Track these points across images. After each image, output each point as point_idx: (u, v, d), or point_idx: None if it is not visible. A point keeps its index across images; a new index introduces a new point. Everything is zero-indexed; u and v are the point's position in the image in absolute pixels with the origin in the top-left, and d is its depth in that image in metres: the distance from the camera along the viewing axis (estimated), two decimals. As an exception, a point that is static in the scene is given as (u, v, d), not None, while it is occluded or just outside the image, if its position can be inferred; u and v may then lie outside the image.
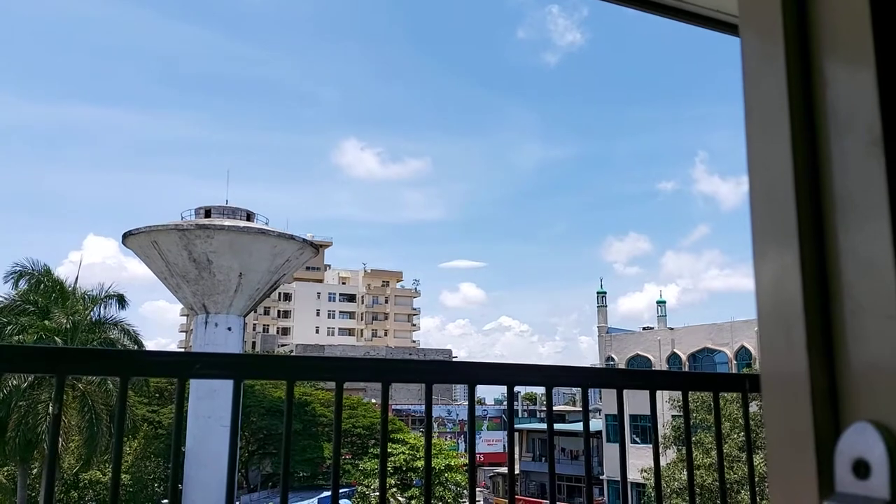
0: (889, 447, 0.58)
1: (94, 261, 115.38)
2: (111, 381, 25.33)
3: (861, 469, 0.60)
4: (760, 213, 0.75)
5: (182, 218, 33.03)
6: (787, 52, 0.72)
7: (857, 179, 0.65)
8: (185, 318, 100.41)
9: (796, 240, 0.68)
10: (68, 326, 26.43)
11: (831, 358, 0.65)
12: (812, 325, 0.66)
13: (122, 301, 28.53)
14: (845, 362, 0.64)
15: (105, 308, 28.44)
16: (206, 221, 30.16)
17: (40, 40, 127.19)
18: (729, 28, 1.38)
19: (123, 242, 29.47)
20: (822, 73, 0.70)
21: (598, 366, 44.44)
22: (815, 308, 0.67)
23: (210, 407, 24.97)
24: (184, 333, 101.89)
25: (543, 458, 52.58)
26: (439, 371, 3.00)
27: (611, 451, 41.28)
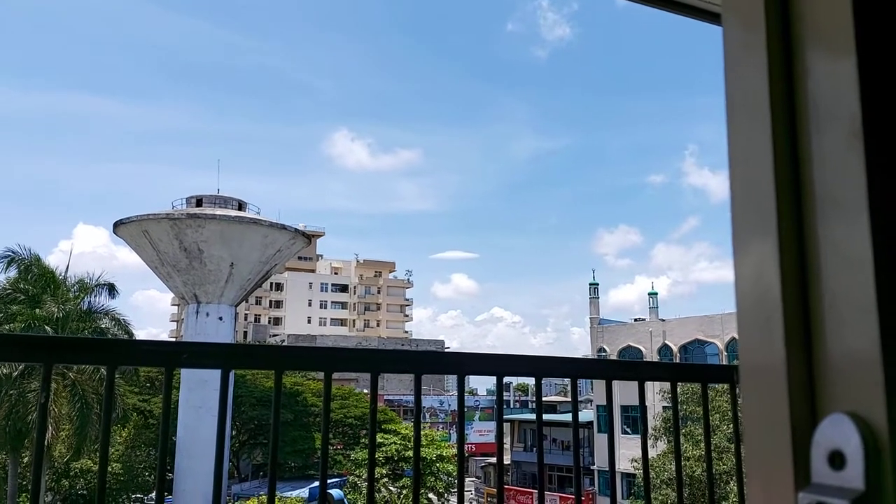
0: (864, 438, 0.58)
1: (85, 250, 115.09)
2: (103, 370, 25.26)
3: (837, 460, 0.60)
4: (740, 204, 0.74)
5: (173, 207, 32.90)
6: (768, 42, 0.71)
7: (837, 171, 0.65)
8: (176, 307, 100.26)
9: (775, 231, 0.68)
10: (59, 315, 26.33)
11: (809, 350, 0.65)
12: (790, 317, 0.66)
13: (112, 290, 28.43)
14: (822, 354, 0.64)
15: (96, 297, 28.36)
16: (197, 211, 30.06)
17: (34, 30, 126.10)
18: (711, 17, 1.36)
19: (114, 231, 29.35)
20: (803, 63, 0.70)
21: (589, 356, 44.66)
22: (794, 300, 0.67)
23: (201, 397, 24.95)
24: (175, 323, 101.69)
25: (535, 449, 52.77)
26: (428, 362, 3.00)
27: (602, 441, 41.49)
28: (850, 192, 0.62)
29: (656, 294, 48.51)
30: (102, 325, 27.94)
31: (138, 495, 40.39)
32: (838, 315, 0.63)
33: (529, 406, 70.24)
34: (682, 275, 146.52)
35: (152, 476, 38.78)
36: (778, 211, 0.67)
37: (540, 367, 2.90)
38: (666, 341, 43.58)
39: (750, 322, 0.69)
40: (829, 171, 0.66)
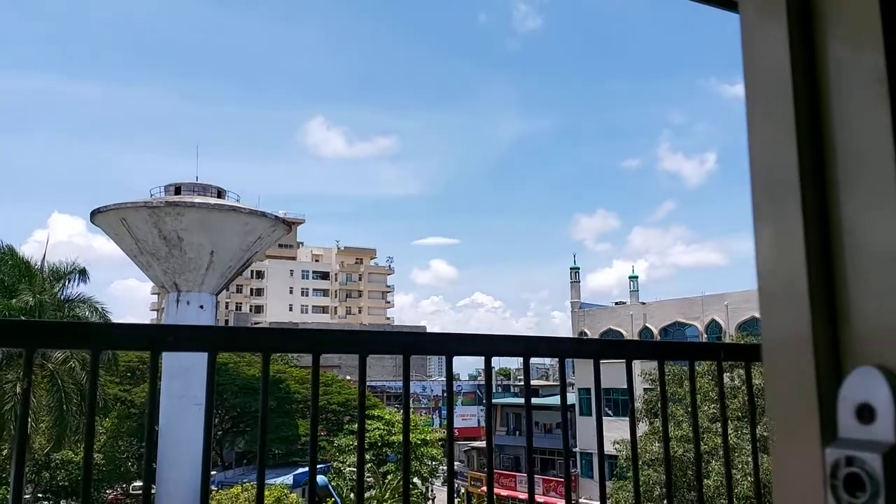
0: (895, 390, 0.56)
1: (60, 239, 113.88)
2: (77, 360, 25.04)
3: (865, 414, 0.59)
4: (761, 171, 0.72)
5: (151, 195, 32.55)
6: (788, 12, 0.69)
7: (861, 124, 0.63)
8: (156, 296, 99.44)
9: (798, 181, 0.66)
10: (33, 305, 26.00)
11: (833, 304, 0.64)
12: (814, 274, 0.64)
13: (83, 274, 28.08)
14: (847, 307, 0.63)
15: (73, 285, 28.04)
16: (176, 199, 29.77)
17: (5, 8, 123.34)
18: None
19: (92, 220, 28.99)
20: (824, 27, 0.67)
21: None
22: (817, 255, 0.65)
23: (183, 386, 24.77)
24: (155, 312, 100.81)
25: (518, 432, 53.19)
26: (417, 343, 2.98)
27: (583, 424, 41.87)
28: (874, 141, 0.60)
29: (637, 277, 48.87)
30: (80, 315, 27.65)
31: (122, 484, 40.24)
32: (863, 268, 0.61)
33: (512, 390, 70.62)
34: (660, 258, 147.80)
35: (135, 466, 38.56)
36: (800, 164, 0.65)
37: (528, 346, 2.89)
38: (646, 324, 43.96)
39: (772, 280, 0.68)
40: (854, 125, 0.64)
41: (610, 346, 3.45)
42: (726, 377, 3.45)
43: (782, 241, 0.69)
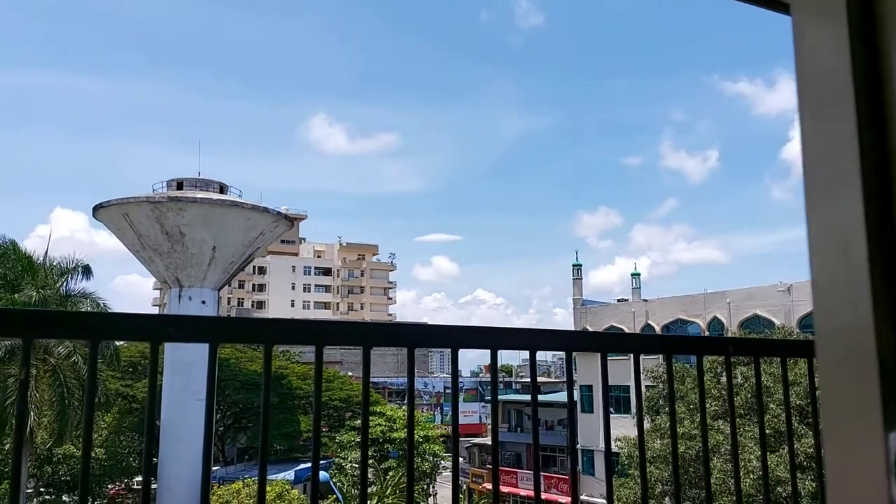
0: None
1: (63, 234, 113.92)
2: (80, 356, 25.04)
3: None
4: (815, 161, 0.67)
5: (153, 190, 32.48)
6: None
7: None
8: (158, 291, 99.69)
9: (858, 176, 0.61)
10: (37, 299, 25.99)
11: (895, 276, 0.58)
12: (873, 244, 0.59)
13: (87, 271, 28.11)
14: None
15: (76, 281, 28.06)
16: (178, 194, 29.71)
17: (6, 5, 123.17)
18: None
19: (94, 215, 28.97)
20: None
21: (573, 338, 44.63)
22: (877, 242, 0.60)
23: (185, 381, 24.72)
24: (157, 307, 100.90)
25: (519, 429, 53.18)
26: (422, 335, 2.92)
27: (584, 421, 41.82)
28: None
29: (639, 275, 48.80)
30: (82, 310, 27.62)
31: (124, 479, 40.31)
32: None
33: (513, 387, 70.65)
34: (661, 256, 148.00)
35: (136, 461, 38.58)
36: (862, 158, 0.60)
37: (535, 339, 2.84)
38: (649, 321, 43.89)
39: (829, 270, 0.63)
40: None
41: (617, 339, 3.41)
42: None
43: (842, 233, 0.65)
